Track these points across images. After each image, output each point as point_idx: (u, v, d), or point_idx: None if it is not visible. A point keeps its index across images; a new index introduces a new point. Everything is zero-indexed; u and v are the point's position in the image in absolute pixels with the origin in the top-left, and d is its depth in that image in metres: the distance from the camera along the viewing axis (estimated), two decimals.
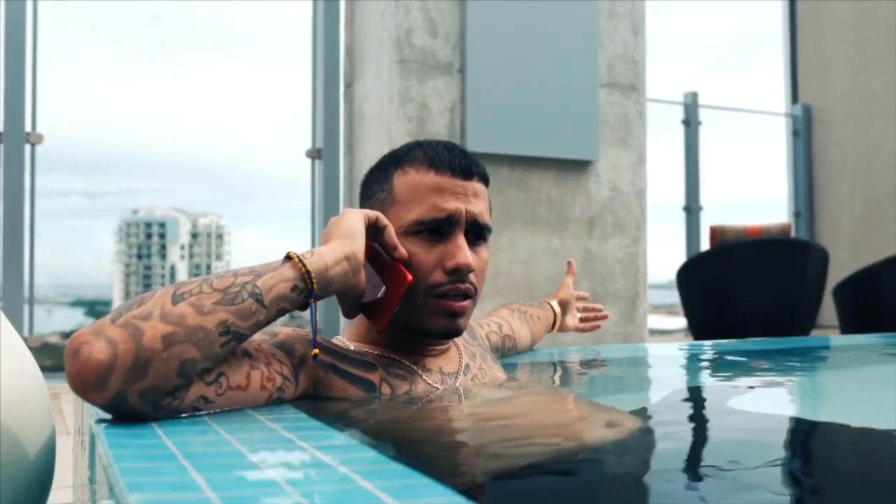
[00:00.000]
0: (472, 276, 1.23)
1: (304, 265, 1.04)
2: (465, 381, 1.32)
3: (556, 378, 1.79)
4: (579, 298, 2.05)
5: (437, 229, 1.22)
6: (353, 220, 1.14)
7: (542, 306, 1.96)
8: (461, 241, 1.22)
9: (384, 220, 1.18)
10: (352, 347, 1.25)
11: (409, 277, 1.17)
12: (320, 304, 1.09)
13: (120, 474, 0.68)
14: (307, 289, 1.04)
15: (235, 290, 0.98)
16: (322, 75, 4.55)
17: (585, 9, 4.35)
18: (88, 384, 0.88)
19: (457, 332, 1.25)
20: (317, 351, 1.13)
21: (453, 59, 4.08)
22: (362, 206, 1.32)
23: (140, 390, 0.89)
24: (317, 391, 1.15)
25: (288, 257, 1.05)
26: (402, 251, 1.19)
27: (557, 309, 1.96)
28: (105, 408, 0.91)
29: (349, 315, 1.20)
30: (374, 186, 1.29)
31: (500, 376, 1.42)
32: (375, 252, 1.19)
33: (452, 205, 1.22)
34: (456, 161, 1.25)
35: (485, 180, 1.28)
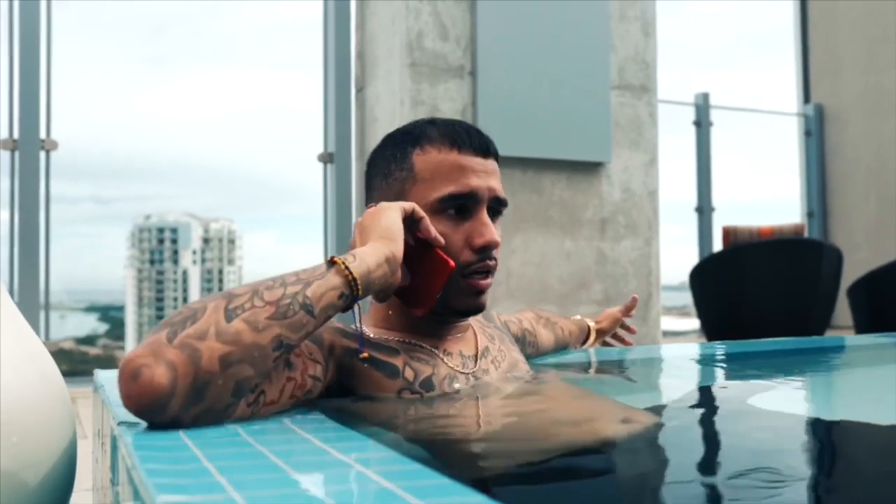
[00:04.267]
0: (495, 253, 1.27)
1: (350, 272, 1.04)
2: (485, 364, 1.32)
3: (571, 378, 1.79)
4: (623, 328, 2.06)
5: (463, 207, 1.25)
6: (393, 219, 1.14)
7: (579, 324, 1.95)
8: (486, 218, 1.26)
9: (420, 211, 1.19)
10: (371, 335, 1.26)
11: (452, 264, 1.18)
12: None
13: (146, 475, 0.69)
14: (352, 294, 1.04)
15: (287, 301, 0.98)
16: (333, 80, 4.56)
17: (596, 11, 4.35)
18: (149, 409, 0.88)
19: (481, 309, 1.29)
20: (366, 354, 1.14)
21: (464, 61, 4.09)
22: (373, 184, 1.33)
23: (195, 414, 0.90)
24: (340, 378, 1.15)
25: (332, 262, 1.05)
26: (441, 239, 1.20)
27: (594, 329, 1.97)
28: (153, 424, 0.90)
29: (381, 301, 1.20)
30: (391, 166, 1.29)
31: (519, 359, 1.43)
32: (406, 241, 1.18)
33: (475, 182, 1.25)
34: (475, 140, 1.28)
35: (498, 158, 1.32)
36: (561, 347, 1.88)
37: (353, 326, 1.26)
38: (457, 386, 1.24)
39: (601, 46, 4.36)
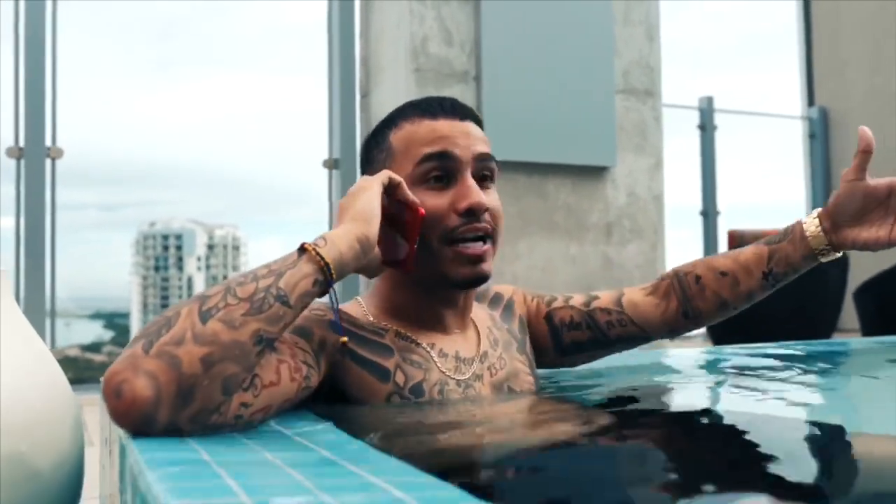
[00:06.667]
0: (488, 217, 1.22)
1: (322, 257, 1.03)
2: (480, 370, 1.28)
3: (572, 386, 1.78)
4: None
5: (445, 173, 1.22)
6: (369, 199, 1.12)
7: (777, 239, 1.44)
8: (470, 181, 1.22)
9: (396, 177, 1.17)
10: (371, 318, 1.24)
11: (422, 211, 1.16)
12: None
13: (156, 482, 0.69)
14: (327, 280, 1.03)
15: (261, 296, 0.96)
16: (338, 85, 4.57)
17: (600, 15, 4.35)
18: (139, 423, 0.86)
19: (483, 278, 1.23)
20: (345, 339, 1.13)
21: (469, 66, 4.09)
22: (364, 174, 1.31)
23: (189, 416, 0.88)
24: (332, 373, 1.14)
25: (303, 249, 1.04)
26: (415, 199, 1.18)
27: (815, 228, 1.41)
28: (152, 436, 0.88)
29: (372, 277, 1.20)
30: (373, 151, 1.29)
31: (521, 369, 1.36)
32: (389, 209, 1.18)
33: (450, 142, 1.22)
34: (447, 104, 1.26)
35: (479, 123, 1.29)
36: (716, 307, 1.55)
37: (356, 300, 1.25)
38: (447, 391, 1.21)
39: (605, 51, 4.36)
